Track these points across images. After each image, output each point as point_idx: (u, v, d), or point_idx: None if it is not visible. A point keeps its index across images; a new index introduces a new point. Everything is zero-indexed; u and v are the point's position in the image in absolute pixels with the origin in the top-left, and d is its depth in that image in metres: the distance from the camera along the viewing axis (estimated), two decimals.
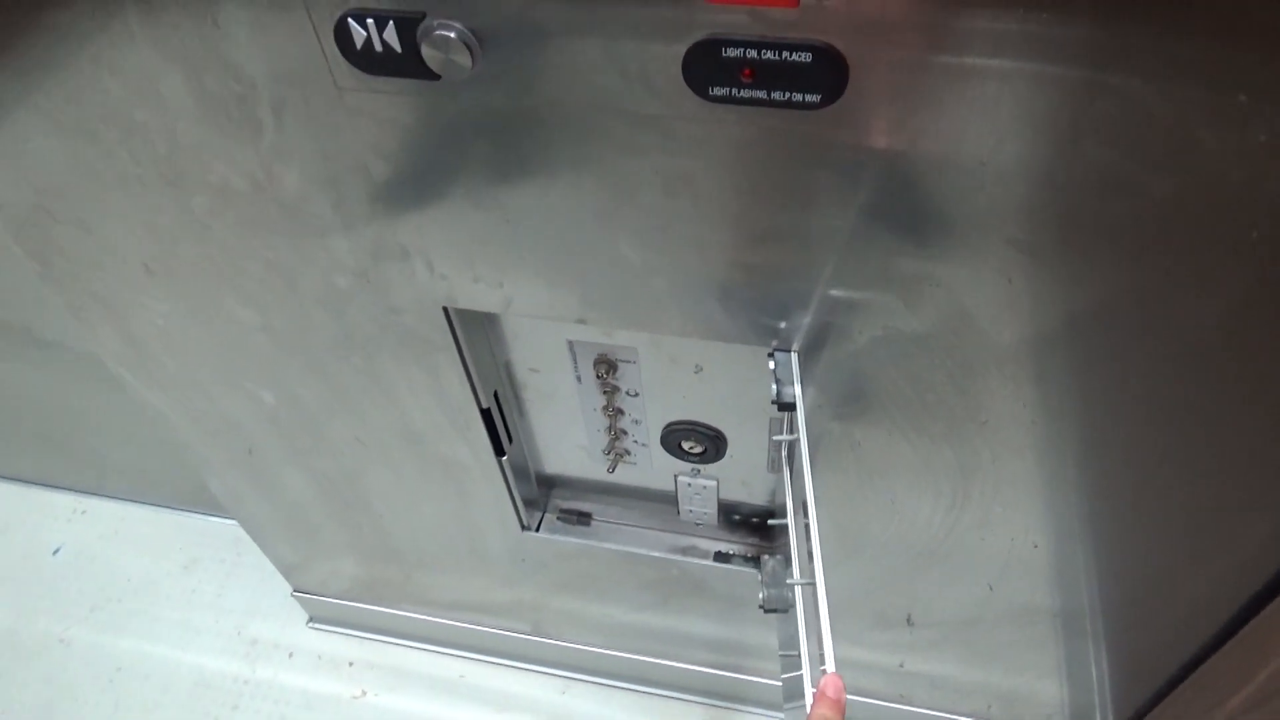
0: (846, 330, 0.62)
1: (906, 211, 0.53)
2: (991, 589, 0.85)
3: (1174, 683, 0.89)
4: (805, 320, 0.62)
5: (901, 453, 0.71)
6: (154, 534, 1.45)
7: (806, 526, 0.57)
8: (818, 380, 0.67)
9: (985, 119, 0.47)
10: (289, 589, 1.26)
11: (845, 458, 0.73)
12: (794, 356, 0.64)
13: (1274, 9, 0.40)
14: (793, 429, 0.62)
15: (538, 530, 0.98)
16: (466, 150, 0.57)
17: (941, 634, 0.93)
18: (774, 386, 0.63)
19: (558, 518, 0.99)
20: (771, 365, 0.64)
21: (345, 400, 0.82)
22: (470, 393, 0.78)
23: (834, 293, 0.60)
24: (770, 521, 0.85)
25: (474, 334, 0.75)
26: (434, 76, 0.52)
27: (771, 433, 0.70)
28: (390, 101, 0.55)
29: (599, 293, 0.65)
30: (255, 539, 1.14)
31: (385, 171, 0.60)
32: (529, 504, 0.96)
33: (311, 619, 1.32)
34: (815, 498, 0.69)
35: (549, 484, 0.99)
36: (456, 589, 1.13)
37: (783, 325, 0.63)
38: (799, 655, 0.55)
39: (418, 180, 0.60)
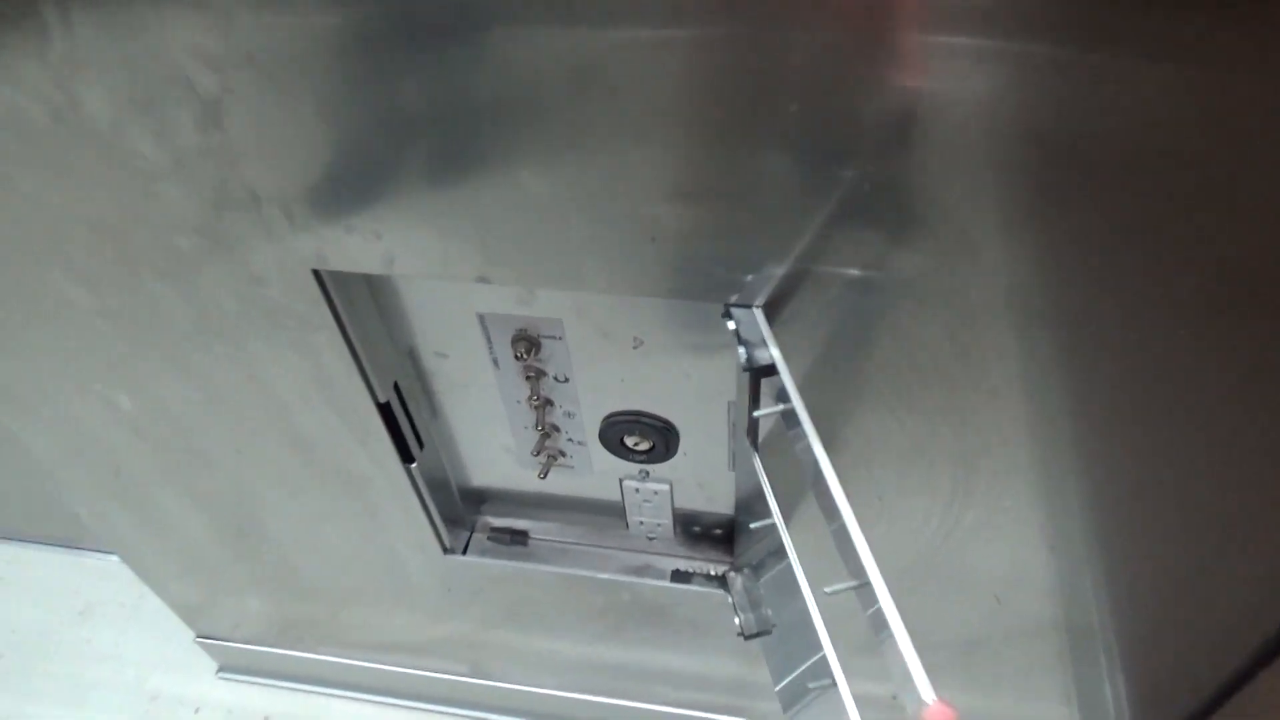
0: (819, 277, 0.49)
1: (887, 106, 0.40)
2: (999, 602, 0.71)
3: (1208, 710, 0.76)
4: (770, 265, 0.49)
5: (890, 436, 0.58)
6: (45, 577, 1.28)
7: (833, 510, 0.44)
8: (782, 347, 0.53)
9: None
10: (192, 633, 1.11)
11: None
12: (758, 313, 0.50)
13: None
14: (781, 397, 0.48)
15: (464, 553, 0.83)
16: (318, 47, 0.44)
17: (939, 658, 0.80)
18: (741, 351, 0.49)
19: (488, 538, 0.84)
20: (731, 325, 0.51)
21: (215, 401, 0.68)
22: (362, 384, 0.64)
23: (803, 225, 0.46)
24: (753, 525, 0.70)
25: (359, 307, 0.61)
26: None
27: (749, 409, 0.57)
28: None
29: (503, 241, 0.51)
30: (142, 577, 0.98)
31: (213, 84, 0.46)
32: (452, 522, 0.82)
33: (221, 668, 1.16)
34: (776, 496, 0.56)
35: (477, 499, 0.84)
36: (382, 627, 0.98)
37: (741, 274, 0.50)
38: (833, 684, 0.43)
39: (257, 93, 0.46)
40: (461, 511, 0.83)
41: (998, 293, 0.48)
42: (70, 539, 1.29)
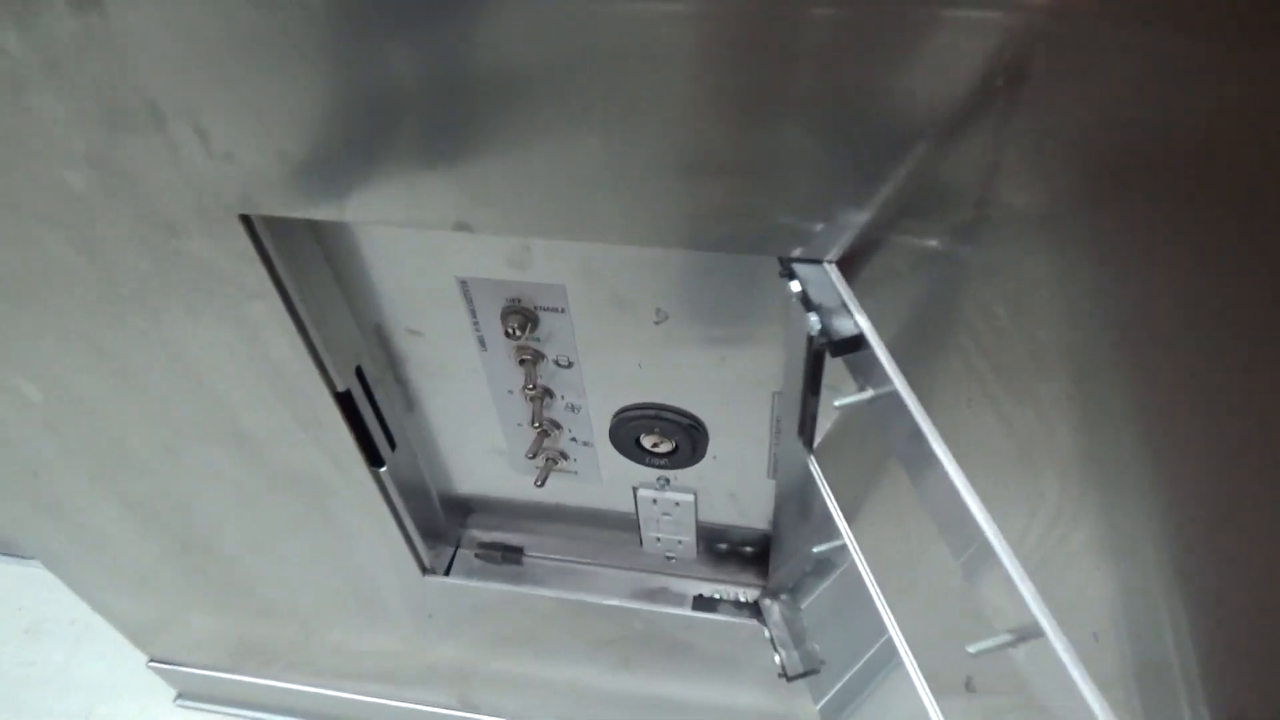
0: (912, 226, 0.36)
1: None
2: (1097, 639, 0.58)
3: None
4: (850, 208, 0.36)
5: (990, 437, 0.45)
6: None
7: (966, 534, 0.32)
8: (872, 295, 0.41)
9: None
10: (145, 657, 0.98)
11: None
12: (831, 270, 0.38)
13: None
14: (871, 379, 0.36)
15: (447, 574, 0.70)
16: None
17: (1014, 703, 0.66)
18: (813, 320, 0.36)
19: (476, 555, 0.71)
20: (795, 286, 0.38)
21: (136, 389, 0.55)
22: (315, 368, 0.51)
23: (905, 152, 0.34)
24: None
25: (308, 268, 0.48)
26: None
27: (803, 400, 0.44)
28: None
29: (489, 174, 0.39)
30: (79, 593, 0.85)
31: None
32: (432, 537, 0.69)
33: (179, 695, 1.05)
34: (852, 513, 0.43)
35: (462, 509, 0.71)
36: (356, 654, 0.85)
37: (811, 219, 0.37)
38: None
39: None
40: (443, 524, 0.70)
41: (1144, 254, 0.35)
42: (13, 547, 1.17)
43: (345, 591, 0.74)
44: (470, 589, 0.70)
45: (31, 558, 1.18)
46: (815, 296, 0.37)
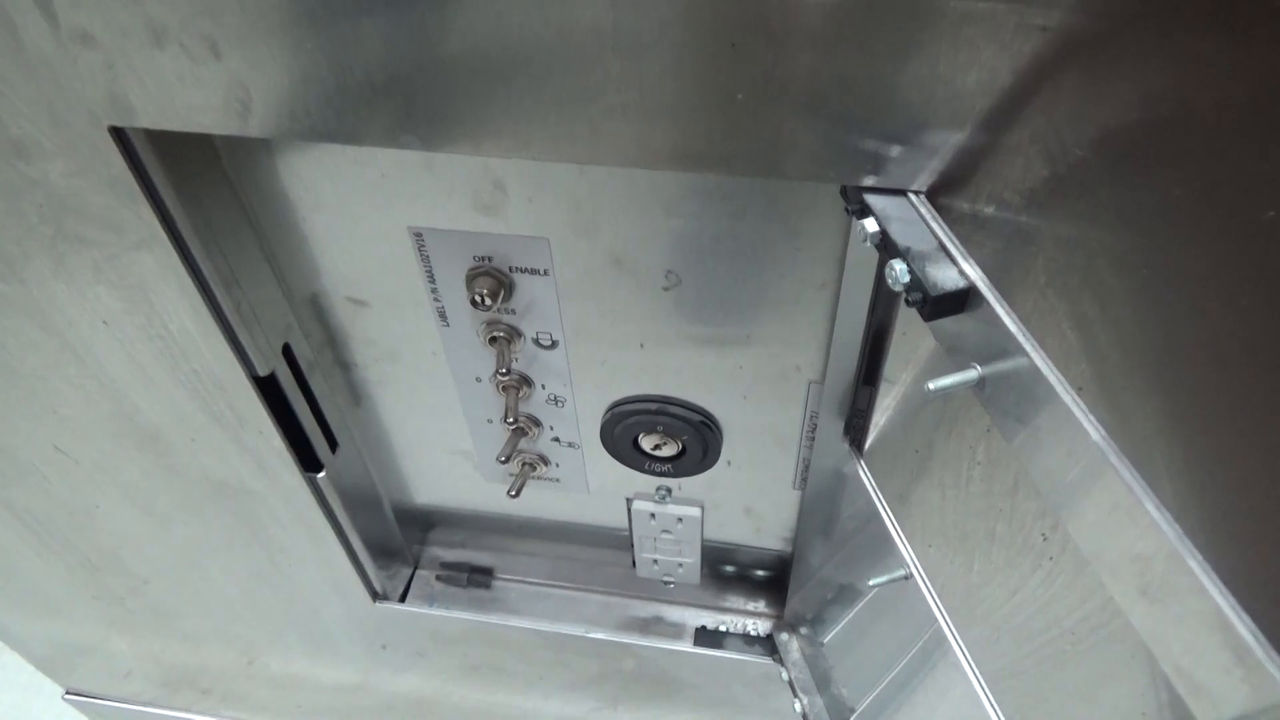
0: (1032, 155, 0.26)
1: None
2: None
3: None
4: (947, 125, 0.26)
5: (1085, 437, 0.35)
6: None
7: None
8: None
9: None
10: (61, 689, 0.86)
11: (973, 449, 0.37)
12: (920, 202, 0.27)
13: None
14: (983, 352, 0.25)
15: (402, 600, 0.59)
16: None
17: None
18: (899, 268, 0.26)
19: (437, 577, 0.60)
20: (872, 225, 0.27)
21: (8, 374, 0.43)
22: (226, 345, 0.40)
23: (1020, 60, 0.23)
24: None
25: (213, 208, 0.37)
26: None
27: (855, 389, 0.33)
28: None
29: (445, 64, 0.28)
30: None
31: None
32: (385, 556, 0.58)
33: None
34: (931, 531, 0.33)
35: (423, 523, 0.60)
36: (303, 686, 0.74)
37: (893, 137, 0.26)
38: None
39: None
40: (399, 542, 0.59)
41: None
42: None
43: (283, 618, 0.63)
44: (430, 617, 0.59)
45: None
46: (901, 238, 0.26)
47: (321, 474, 0.48)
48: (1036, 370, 0.25)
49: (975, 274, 0.26)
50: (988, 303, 0.25)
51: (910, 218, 0.27)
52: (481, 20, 0.27)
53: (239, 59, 0.29)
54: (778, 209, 0.35)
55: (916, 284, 0.25)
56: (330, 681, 0.74)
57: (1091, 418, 0.25)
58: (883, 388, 0.37)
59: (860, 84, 0.26)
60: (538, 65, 0.27)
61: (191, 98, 0.30)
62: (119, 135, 0.32)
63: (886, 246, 0.27)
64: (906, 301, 0.26)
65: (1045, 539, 0.41)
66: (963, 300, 0.26)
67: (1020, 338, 0.25)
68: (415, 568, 0.61)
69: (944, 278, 0.26)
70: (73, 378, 0.43)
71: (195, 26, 0.28)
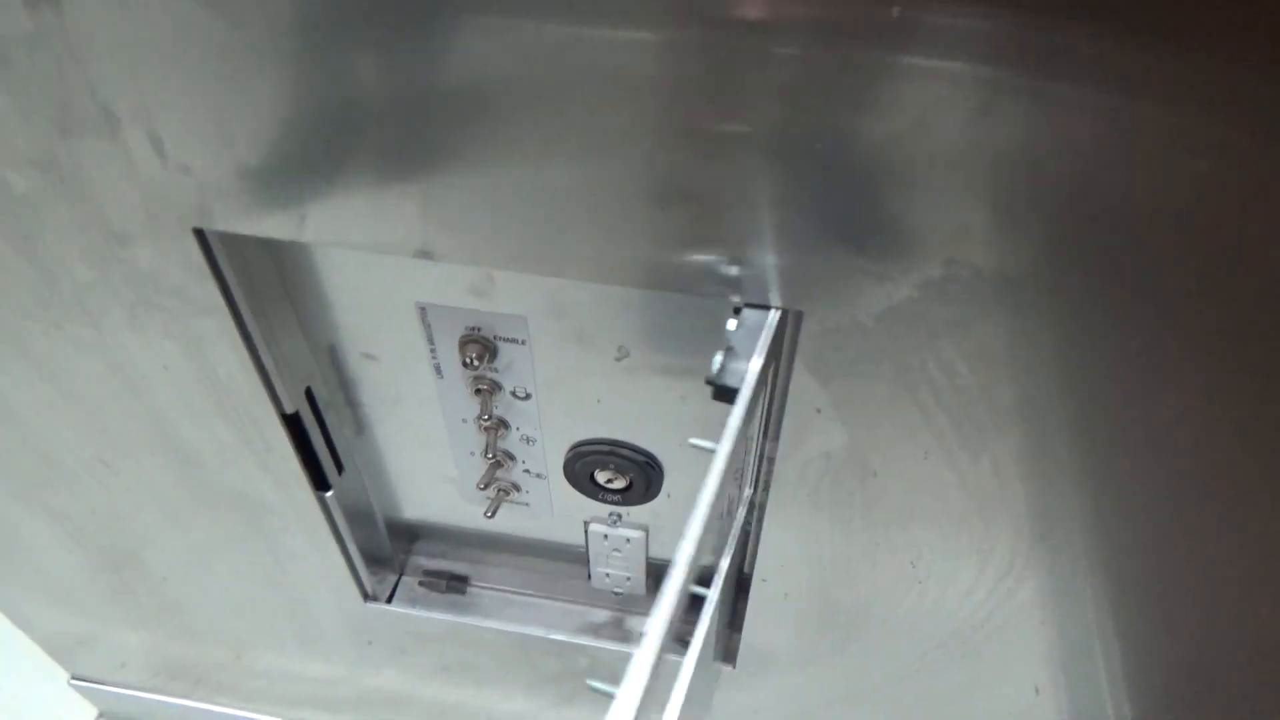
0: (876, 272, 0.36)
1: None
2: (1038, 692, 0.59)
3: None
4: (801, 254, 0.36)
5: (944, 489, 0.45)
6: None
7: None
8: (818, 367, 0.40)
9: None
10: (67, 674, 0.94)
11: (851, 495, 0.47)
12: (771, 315, 0.37)
13: None
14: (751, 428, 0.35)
15: (389, 601, 0.68)
16: None
17: None
18: (716, 358, 0.36)
19: (420, 583, 0.69)
20: (731, 325, 0.37)
21: (70, 399, 0.53)
22: (264, 389, 0.49)
23: (855, 197, 0.34)
24: (695, 590, 0.55)
25: (262, 286, 0.46)
26: None
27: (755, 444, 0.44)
28: None
29: (452, 201, 0.38)
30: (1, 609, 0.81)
31: None
32: (376, 563, 0.67)
33: (101, 714, 1.00)
34: (783, 554, 0.43)
35: (409, 535, 0.70)
36: (289, 678, 0.82)
37: (762, 264, 0.37)
38: None
39: None
40: (388, 550, 0.68)
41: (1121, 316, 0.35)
42: None
43: (281, 615, 0.72)
44: (412, 619, 0.68)
45: None
46: (737, 341, 0.36)
47: (330, 493, 0.57)
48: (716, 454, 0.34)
49: (751, 376, 0.35)
50: (736, 401, 0.35)
51: (757, 326, 0.37)
52: (483, 186, 0.37)
53: (302, 189, 0.39)
54: (707, 307, 0.45)
55: (719, 373, 0.35)
56: (315, 674, 0.82)
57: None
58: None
59: (747, 241, 0.36)
60: (522, 214, 0.37)
61: (262, 216, 0.40)
62: (198, 233, 0.42)
63: (727, 344, 0.37)
64: (706, 381, 0.36)
65: (914, 565, 0.52)
66: (733, 394, 0.35)
67: (733, 424, 0.34)
68: (401, 574, 0.70)
69: (732, 373, 0.36)
70: (127, 405, 0.53)
71: (273, 171, 0.38)
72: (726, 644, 0.64)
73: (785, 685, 0.65)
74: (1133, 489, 0.43)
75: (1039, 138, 0.31)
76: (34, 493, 0.62)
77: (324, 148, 0.37)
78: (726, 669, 0.64)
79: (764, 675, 0.64)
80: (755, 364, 0.36)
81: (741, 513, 0.51)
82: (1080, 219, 0.33)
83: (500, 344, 0.49)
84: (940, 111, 0.31)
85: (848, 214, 0.35)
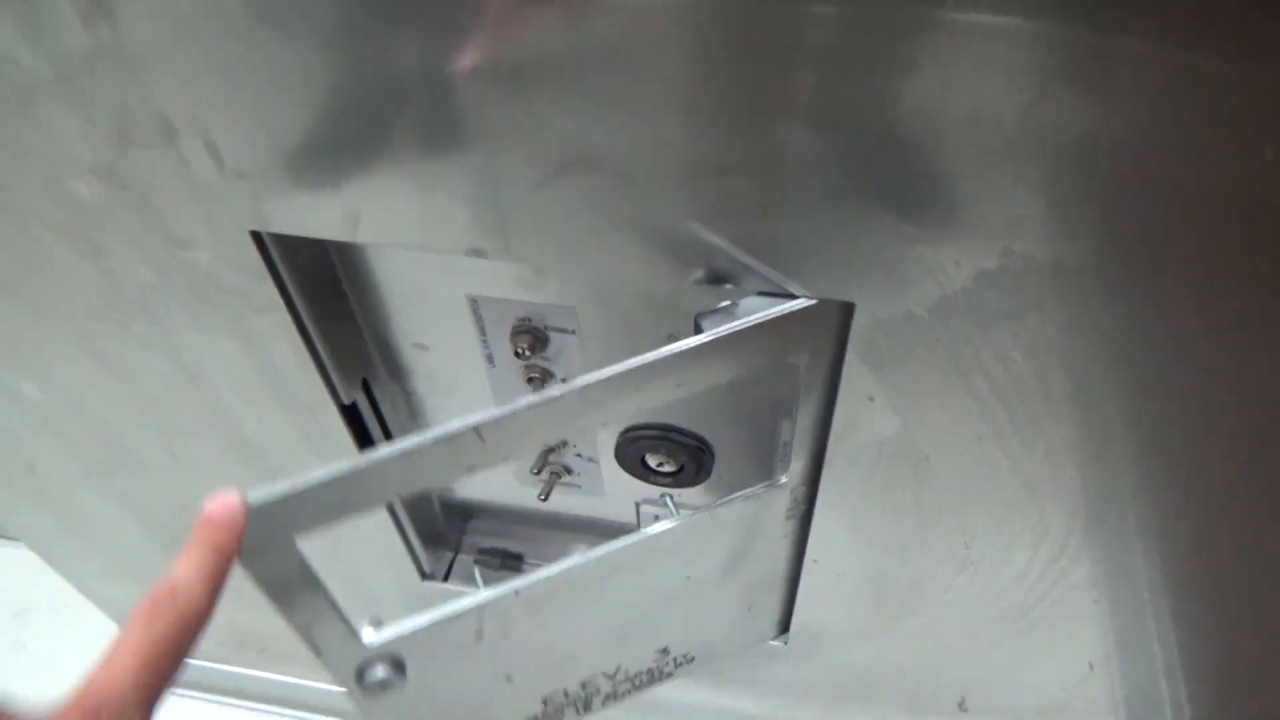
0: (930, 264, 0.36)
1: None
2: (1093, 669, 0.59)
3: None
4: (854, 245, 0.36)
5: (998, 474, 0.45)
6: None
7: None
8: (869, 355, 0.40)
9: None
10: None
11: (904, 480, 0.47)
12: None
13: None
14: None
15: (445, 580, 0.70)
16: None
17: None
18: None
19: (475, 561, 0.71)
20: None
21: (137, 393, 0.54)
22: (321, 381, 0.50)
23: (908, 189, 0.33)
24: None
25: (318, 284, 0.47)
26: None
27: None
28: None
29: (504, 200, 0.38)
30: (70, 580, 0.85)
31: None
32: (432, 542, 0.69)
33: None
34: (835, 537, 0.43)
35: (462, 514, 0.71)
36: None
37: (815, 252, 0.37)
38: None
39: None
40: (444, 529, 0.70)
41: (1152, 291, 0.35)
42: (4, 529, 1.16)
43: (341, 592, 0.74)
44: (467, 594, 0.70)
45: (18, 540, 1.18)
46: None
47: None
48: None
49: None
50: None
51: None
52: (531, 186, 0.37)
53: (354, 191, 0.39)
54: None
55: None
56: None
57: None
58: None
59: (800, 235, 0.36)
60: (569, 213, 0.38)
61: (316, 218, 0.40)
62: (256, 236, 0.42)
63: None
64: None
65: (968, 547, 0.52)
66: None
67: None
68: (456, 552, 0.72)
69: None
70: (192, 399, 0.54)
71: (325, 173, 0.38)
72: (780, 617, 0.65)
73: (836, 660, 0.65)
74: (1188, 475, 0.42)
75: (1096, 125, 0.30)
76: (106, 479, 0.64)
77: (375, 151, 0.37)
78: (778, 644, 0.64)
79: (816, 651, 0.65)
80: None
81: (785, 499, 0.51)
82: (1136, 209, 0.32)
83: (551, 334, 0.50)
84: (995, 98, 0.30)
85: (901, 203, 0.35)
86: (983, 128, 0.31)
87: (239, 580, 0.78)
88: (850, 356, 0.41)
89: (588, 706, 0.55)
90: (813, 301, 0.38)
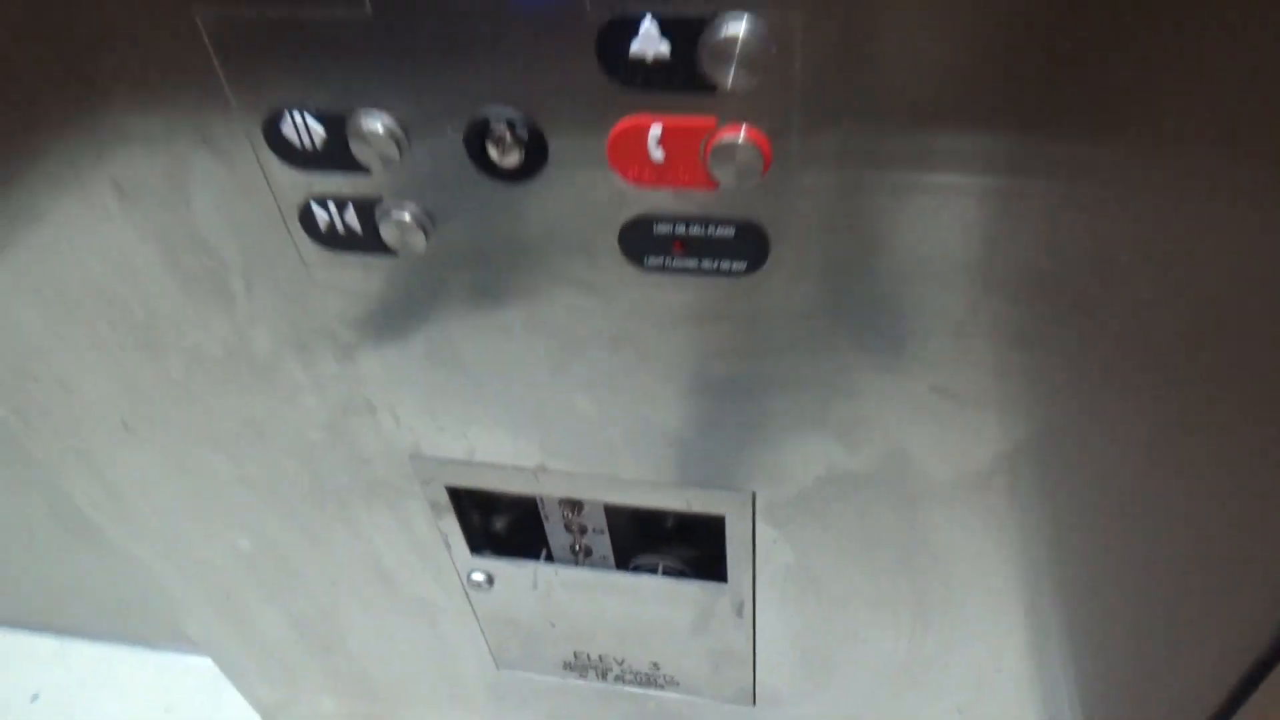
0: (792, 470, 0.65)
1: (835, 364, 0.57)
2: (960, 713, 0.85)
3: None
4: (753, 462, 0.65)
5: (858, 584, 0.73)
6: (134, 676, 1.43)
7: None
8: (773, 517, 0.69)
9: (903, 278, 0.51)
10: None
11: (806, 590, 0.75)
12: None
13: None
14: None
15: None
16: (426, 315, 0.61)
17: None
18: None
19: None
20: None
21: (320, 545, 0.84)
22: (443, 547, 0.80)
23: (776, 436, 0.63)
24: None
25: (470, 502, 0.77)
26: (392, 252, 0.56)
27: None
28: (353, 274, 0.59)
29: (558, 441, 0.68)
30: (233, 680, 1.13)
31: (351, 336, 0.63)
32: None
33: None
34: (764, 633, 0.71)
35: None
36: None
37: (733, 468, 0.66)
38: None
39: (382, 342, 0.64)
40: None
41: (929, 486, 0.63)
42: (156, 639, 1.45)
43: (437, 678, 1.02)
44: (531, 680, 0.98)
45: (166, 648, 1.47)
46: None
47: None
48: None
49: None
50: None
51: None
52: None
53: (473, 435, 0.69)
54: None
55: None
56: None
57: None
58: None
59: (717, 461, 0.66)
60: (602, 439, 0.67)
61: (449, 447, 0.70)
62: (412, 457, 0.72)
63: None
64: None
65: (856, 632, 0.79)
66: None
67: None
68: None
69: None
70: (355, 548, 0.84)
71: (457, 427, 0.69)
72: (746, 685, 0.92)
73: (799, 714, 0.92)
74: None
75: None
76: (280, 601, 0.94)
77: (486, 416, 0.68)
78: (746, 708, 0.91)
79: (778, 710, 0.91)
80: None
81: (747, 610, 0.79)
82: None
83: (585, 503, 0.79)
84: None
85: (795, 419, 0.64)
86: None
87: (344, 675, 1.05)
88: (759, 519, 0.70)
89: (604, 676, 0.83)
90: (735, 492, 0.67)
